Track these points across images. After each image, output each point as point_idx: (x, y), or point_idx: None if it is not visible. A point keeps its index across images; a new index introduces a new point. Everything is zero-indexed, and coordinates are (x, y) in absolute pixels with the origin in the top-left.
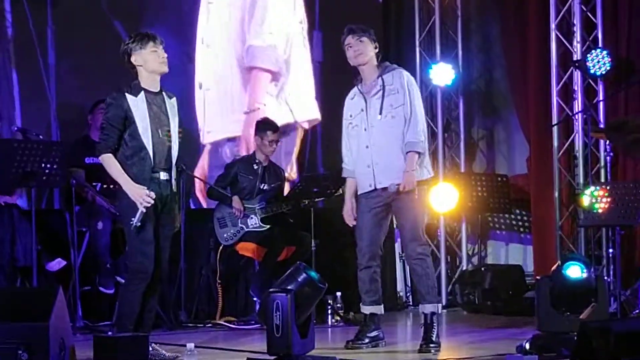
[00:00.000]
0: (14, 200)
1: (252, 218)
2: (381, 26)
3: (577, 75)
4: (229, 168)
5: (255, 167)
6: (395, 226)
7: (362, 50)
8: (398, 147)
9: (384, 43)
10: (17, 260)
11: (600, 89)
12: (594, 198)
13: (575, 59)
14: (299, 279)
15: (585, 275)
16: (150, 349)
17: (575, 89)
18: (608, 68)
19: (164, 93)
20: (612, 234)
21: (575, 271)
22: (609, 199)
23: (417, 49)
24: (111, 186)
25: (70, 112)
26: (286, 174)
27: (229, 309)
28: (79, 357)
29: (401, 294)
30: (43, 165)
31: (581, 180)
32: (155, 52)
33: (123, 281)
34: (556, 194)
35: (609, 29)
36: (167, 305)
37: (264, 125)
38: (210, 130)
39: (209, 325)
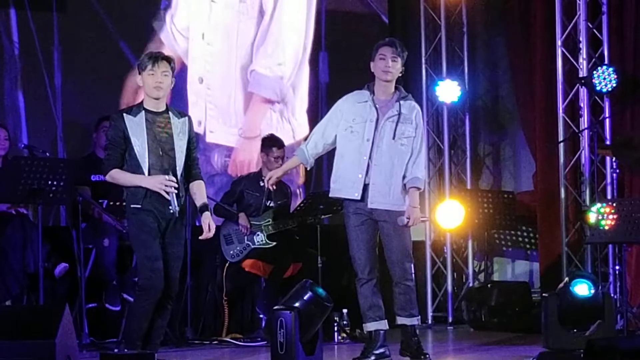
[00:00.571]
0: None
1: (258, 235)
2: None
3: (584, 92)
4: (235, 185)
5: (262, 184)
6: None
7: (394, 69)
8: (400, 174)
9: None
10: (27, 266)
11: (607, 105)
12: (600, 215)
13: (581, 75)
14: (305, 297)
15: (592, 293)
16: None
17: (582, 105)
18: (614, 85)
19: (170, 112)
20: (619, 251)
21: (582, 289)
22: (615, 216)
23: (423, 66)
24: (117, 203)
25: (77, 134)
26: (296, 187)
27: (235, 326)
28: None
29: None
30: (50, 182)
31: (587, 197)
32: (151, 75)
33: (130, 299)
34: (562, 211)
35: (615, 46)
36: (173, 322)
37: (269, 142)
38: (213, 130)
39: (215, 342)
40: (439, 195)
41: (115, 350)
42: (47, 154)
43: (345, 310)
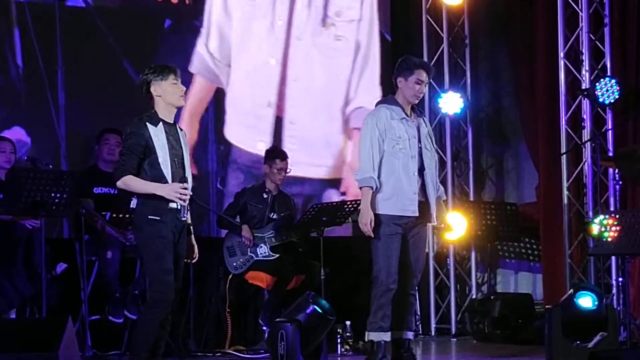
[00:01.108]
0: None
1: (261, 247)
2: (390, 59)
3: (586, 103)
4: (239, 197)
5: (265, 196)
6: None
7: (423, 94)
8: (435, 187)
9: (393, 72)
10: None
11: (609, 117)
12: (603, 226)
13: (583, 87)
14: (307, 310)
15: (597, 306)
16: None
17: (584, 117)
18: (616, 96)
19: (176, 124)
20: (622, 263)
21: (587, 301)
22: (618, 228)
23: None
24: (120, 215)
25: (79, 148)
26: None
27: (238, 338)
28: None
29: None
30: (52, 194)
31: (590, 209)
32: (175, 84)
33: (131, 316)
34: (565, 223)
35: (617, 58)
36: (176, 334)
37: (273, 154)
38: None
39: (218, 354)
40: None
41: None
42: (50, 166)
43: (348, 322)
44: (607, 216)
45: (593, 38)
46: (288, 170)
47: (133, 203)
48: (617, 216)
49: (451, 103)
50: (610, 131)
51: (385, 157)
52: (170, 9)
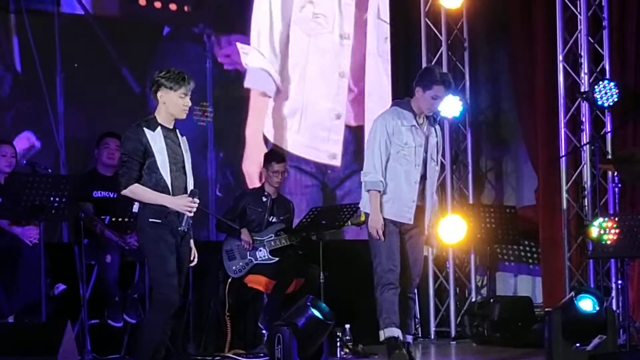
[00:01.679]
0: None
1: (260, 250)
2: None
3: (585, 106)
4: (238, 201)
5: (264, 199)
6: None
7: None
8: (432, 197)
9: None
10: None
11: (608, 120)
12: (603, 229)
13: (582, 90)
14: (306, 313)
15: (597, 310)
16: None
17: (583, 120)
18: (615, 99)
19: (177, 130)
20: (621, 265)
21: (587, 304)
22: (617, 230)
23: None
24: (119, 219)
25: (78, 154)
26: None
27: (238, 342)
28: None
29: None
30: (52, 198)
31: (589, 212)
32: (182, 98)
33: (130, 320)
34: (565, 226)
35: (616, 60)
36: (176, 338)
37: (270, 157)
38: None
39: (218, 357)
40: (441, 210)
41: None
42: (49, 170)
43: (347, 326)
44: (606, 219)
45: (592, 41)
46: (286, 174)
47: (135, 207)
48: (616, 219)
49: (450, 106)
50: (609, 134)
51: (389, 162)
52: (169, 16)
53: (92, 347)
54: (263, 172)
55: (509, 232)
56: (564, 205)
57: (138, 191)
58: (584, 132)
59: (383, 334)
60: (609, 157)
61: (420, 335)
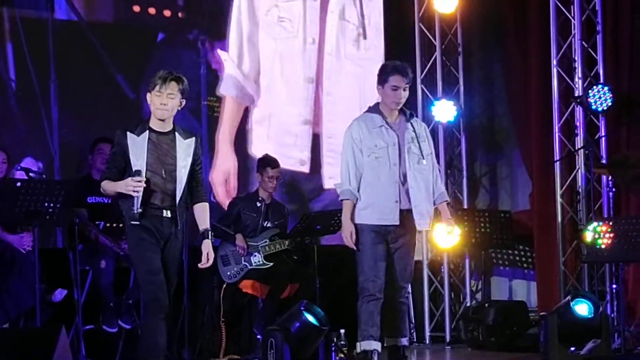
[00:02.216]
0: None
1: (255, 256)
2: None
3: (579, 111)
4: (232, 206)
5: (259, 204)
6: None
7: (404, 98)
8: (430, 192)
9: None
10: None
11: (602, 124)
12: (597, 234)
13: (576, 94)
14: (299, 318)
15: (592, 314)
16: None
17: (577, 124)
18: (609, 104)
19: (177, 133)
20: (616, 270)
21: (583, 309)
22: (611, 235)
23: (419, 86)
24: (114, 225)
25: (73, 161)
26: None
27: (233, 347)
28: None
29: None
30: (46, 204)
31: (584, 216)
32: (158, 96)
33: (125, 325)
34: (559, 230)
35: (610, 65)
36: (171, 343)
37: (264, 162)
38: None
39: None
40: (435, 215)
41: None
42: (44, 175)
43: (342, 330)
44: (600, 223)
45: (586, 45)
46: (280, 180)
47: None
48: (611, 223)
49: (444, 111)
50: (603, 138)
51: (365, 169)
52: (163, 22)
53: (87, 352)
54: (257, 177)
55: (504, 236)
56: (559, 210)
57: (104, 186)
58: (578, 137)
59: (359, 346)
60: (603, 161)
61: (415, 340)
